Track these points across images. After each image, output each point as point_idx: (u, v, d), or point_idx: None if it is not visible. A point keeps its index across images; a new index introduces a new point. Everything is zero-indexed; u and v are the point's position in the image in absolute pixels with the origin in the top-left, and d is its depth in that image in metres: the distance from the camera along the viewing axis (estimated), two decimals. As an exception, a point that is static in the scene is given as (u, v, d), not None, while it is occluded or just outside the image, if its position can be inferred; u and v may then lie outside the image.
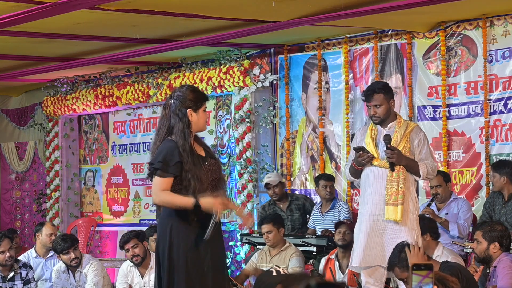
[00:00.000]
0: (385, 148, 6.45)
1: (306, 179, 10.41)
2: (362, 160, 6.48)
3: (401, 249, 5.79)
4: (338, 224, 8.13)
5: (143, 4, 7.99)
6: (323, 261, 8.14)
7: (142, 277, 8.19)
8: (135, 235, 8.17)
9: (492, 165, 8.33)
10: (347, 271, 7.78)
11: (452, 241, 8.04)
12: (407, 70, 9.44)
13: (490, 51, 8.83)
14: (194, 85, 10.14)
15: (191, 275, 5.16)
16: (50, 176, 13.13)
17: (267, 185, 9.55)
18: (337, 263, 7.97)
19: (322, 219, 9.25)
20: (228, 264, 10.07)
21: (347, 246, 7.82)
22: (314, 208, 9.46)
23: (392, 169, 6.43)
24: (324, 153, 10.21)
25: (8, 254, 8.09)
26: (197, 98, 5.29)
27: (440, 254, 6.89)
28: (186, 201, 5.11)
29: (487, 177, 8.75)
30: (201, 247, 5.18)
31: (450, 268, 5.56)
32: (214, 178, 5.26)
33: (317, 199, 9.92)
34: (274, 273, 3.69)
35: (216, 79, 10.57)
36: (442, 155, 9.12)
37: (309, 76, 10.39)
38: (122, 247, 8.22)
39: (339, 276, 7.85)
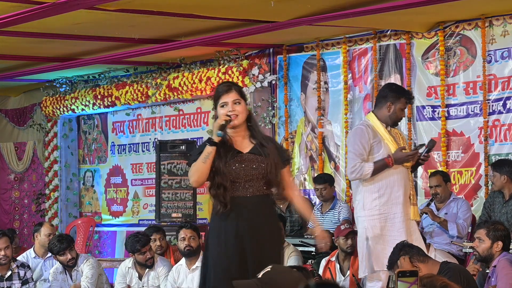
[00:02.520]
0: (418, 150, 6.57)
1: (305, 179, 10.41)
2: (411, 159, 6.50)
3: (401, 247, 5.82)
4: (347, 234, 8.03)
5: (142, 4, 7.99)
6: (323, 262, 8.12)
7: (141, 278, 8.19)
8: (148, 240, 8.20)
9: (492, 164, 8.34)
10: (348, 273, 7.78)
11: (451, 241, 8.05)
12: (406, 70, 9.44)
13: (489, 51, 8.84)
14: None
15: (218, 274, 5.14)
16: (49, 176, 13.12)
17: None
18: (337, 265, 7.95)
19: (322, 219, 9.26)
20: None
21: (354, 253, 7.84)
22: (314, 208, 9.47)
23: (413, 171, 6.64)
24: (323, 153, 10.21)
25: (3, 253, 8.09)
26: (214, 96, 5.30)
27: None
28: (204, 152, 5.10)
29: (486, 177, 8.75)
30: (229, 245, 5.14)
31: (450, 269, 5.56)
32: (242, 174, 5.15)
33: (315, 199, 9.94)
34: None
35: (215, 79, 10.57)
36: (441, 155, 9.12)
37: (308, 76, 10.39)
38: (138, 250, 8.14)
39: (340, 279, 7.83)
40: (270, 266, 3.88)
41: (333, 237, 8.23)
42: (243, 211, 5.12)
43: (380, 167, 6.46)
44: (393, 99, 6.58)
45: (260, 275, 3.81)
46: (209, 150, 5.08)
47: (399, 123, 6.79)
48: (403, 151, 6.48)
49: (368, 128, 6.56)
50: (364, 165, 6.47)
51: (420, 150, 6.61)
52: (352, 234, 7.84)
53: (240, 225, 5.11)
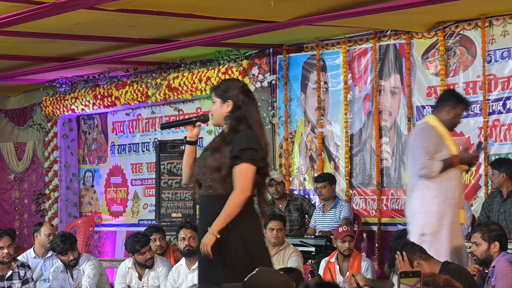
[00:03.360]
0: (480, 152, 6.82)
1: (304, 179, 10.41)
2: (475, 161, 6.70)
3: (403, 245, 5.82)
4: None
5: (142, 4, 7.99)
6: (323, 263, 8.12)
7: (140, 278, 8.19)
8: (148, 240, 8.20)
9: (491, 162, 8.38)
10: (347, 274, 7.79)
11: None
12: (406, 70, 9.45)
13: (489, 51, 8.84)
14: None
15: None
16: (49, 176, 13.12)
17: (270, 182, 9.53)
18: (337, 266, 7.95)
19: (323, 217, 9.27)
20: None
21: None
22: (316, 207, 9.50)
23: (468, 171, 6.96)
24: (322, 153, 10.21)
25: (6, 251, 8.08)
26: None
27: None
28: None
29: (485, 177, 8.75)
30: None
31: (450, 270, 5.55)
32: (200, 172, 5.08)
33: (315, 199, 9.94)
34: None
35: (215, 79, 10.57)
36: (441, 155, 9.12)
37: (308, 76, 10.40)
38: (137, 250, 8.15)
39: (339, 280, 7.84)
40: (257, 269, 3.86)
41: (331, 237, 8.25)
42: (200, 212, 5.15)
43: (447, 166, 6.54)
44: (454, 103, 6.70)
45: (246, 278, 3.80)
46: (185, 149, 5.14)
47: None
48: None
49: (431, 128, 6.67)
50: (433, 163, 6.53)
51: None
52: (350, 237, 7.87)
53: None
